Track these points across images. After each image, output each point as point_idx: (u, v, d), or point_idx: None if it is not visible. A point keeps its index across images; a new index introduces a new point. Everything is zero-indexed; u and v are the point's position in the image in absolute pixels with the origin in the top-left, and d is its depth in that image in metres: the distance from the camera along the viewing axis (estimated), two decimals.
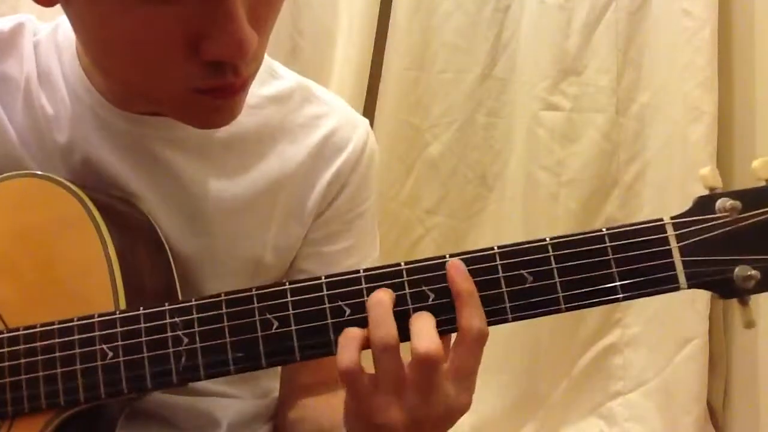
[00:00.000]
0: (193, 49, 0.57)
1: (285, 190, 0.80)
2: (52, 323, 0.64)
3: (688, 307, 1.43)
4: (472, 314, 0.58)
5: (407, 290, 0.60)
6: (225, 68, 0.59)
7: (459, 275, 0.59)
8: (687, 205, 1.49)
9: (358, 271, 0.60)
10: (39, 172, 0.71)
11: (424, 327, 0.58)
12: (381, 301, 0.59)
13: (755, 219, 0.57)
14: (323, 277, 0.61)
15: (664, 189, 1.49)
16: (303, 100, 0.82)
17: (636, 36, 1.50)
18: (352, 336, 0.59)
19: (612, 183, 1.53)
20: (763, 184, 0.58)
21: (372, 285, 0.60)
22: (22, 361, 0.64)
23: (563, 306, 0.59)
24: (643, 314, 1.52)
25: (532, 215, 1.54)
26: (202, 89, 0.60)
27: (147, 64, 0.59)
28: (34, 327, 0.64)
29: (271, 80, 0.81)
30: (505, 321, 0.60)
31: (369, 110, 1.53)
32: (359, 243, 0.85)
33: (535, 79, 1.52)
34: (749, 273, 0.56)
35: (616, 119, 1.51)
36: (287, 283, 0.61)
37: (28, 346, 0.64)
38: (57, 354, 0.63)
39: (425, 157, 1.56)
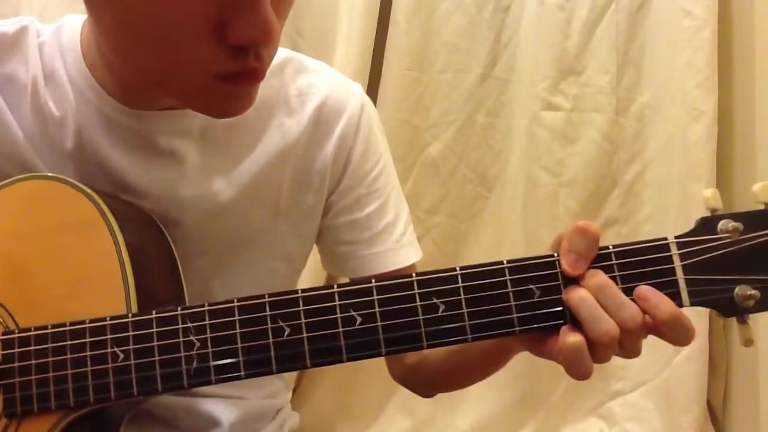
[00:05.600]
0: (219, 34, 0.58)
1: (289, 160, 0.81)
2: (64, 324, 0.64)
3: (688, 307, 1.43)
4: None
5: (418, 302, 0.60)
6: (248, 53, 0.60)
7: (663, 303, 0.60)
8: (686, 206, 1.48)
9: (370, 281, 0.61)
10: (52, 174, 0.71)
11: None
12: (583, 297, 0.59)
13: (756, 241, 0.59)
14: (335, 286, 0.61)
15: (664, 189, 1.49)
16: (295, 71, 0.83)
17: (636, 36, 1.50)
18: (580, 346, 0.59)
19: (612, 183, 1.54)
20: (762, 207, 0.60)
21: (383, 296, 0.61)
22: (33, 361, 0.64)
23: (568, 320, 0.60)
24: None
25: (532, 215, 1.54)
26: (225, 75, 0.61)
27: (173, 50, 0.60)
28: (46, 328, 0.64)
29: None
30: (512, 333, 0.61)
31: None
32: (388, 200, 0.86)
33: (535, 79, 1.52)
34: (749, 292, 0.59)
35: (616, 119, 1.52)
36: (299, 291, 0.61)
37: (39, 347, 0.64)
38: (68, 356, 0.63)
39: (425, 157, 1.57)
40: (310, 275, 1.39)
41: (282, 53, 0.83)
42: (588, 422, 1.55)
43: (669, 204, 1.48)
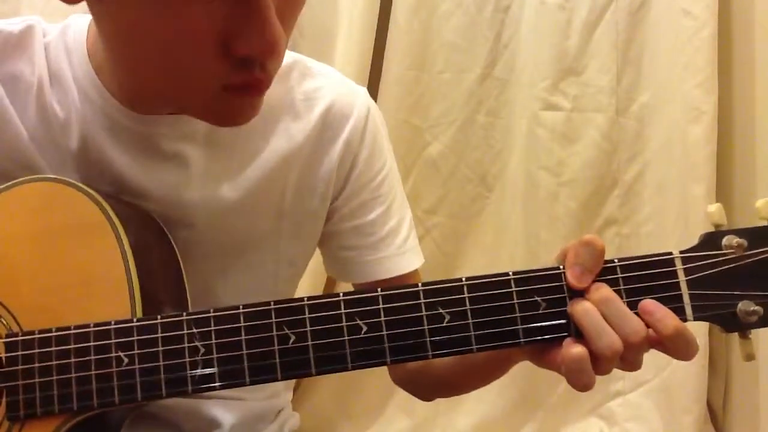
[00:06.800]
0: (224, 47, 0.58)
1: (295, 165, 0.81)
2: (68, 328, 0.64)
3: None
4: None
5: (423, 312, 0.61)
6: (253, 64, 0.60)
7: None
8: (686, 206, 1.48)
9: (376, 290, 0.61)
10: (56, 176, 0.71)
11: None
12: (588, 310, 0.59)
13: (760, 257, 0.59)
14: (341, 294, 0.61)
15: (664, 189, 1.49)
16: (301, 75, 0.83)
17: (636, 36, 1.51)
18: (582, 357, 0.59)
19: (612, 183, 1.54)
20: (765, 223, 0.60)
21: (389, 305, 0.61)
22: (36, 365, 0.64)
23: (573, 332, 0.60)
24: None
25: (532, 215, 1.54)
26: (231, 86, 0.62)
27: (178, 64, 0.60)
28: (50, 331, 0.64)
29: None
30: (517, 345, 0.61)
31: None
32: (392, 205, 0.86)
33: (535, 79, 1.52)
34: (752, 308, 0.59)
35: (616, 119, 1.52)
36: (305, 299, 0.61)
37: (43, 350, 0.64)
38: (72, 359, 0.63)
39: (425, 157, 1.57)
40: (311, 277, 1.39)
41: (288, 56, 0.82)
42: (588, 422, 1.55)
43: (669, 204, 1.48)
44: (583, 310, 0.59)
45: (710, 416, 1.49)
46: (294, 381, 1.49)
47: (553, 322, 0.60)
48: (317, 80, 0.83)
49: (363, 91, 0.86)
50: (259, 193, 0.79)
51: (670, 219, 1.47)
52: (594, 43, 1.51)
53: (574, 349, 0.59)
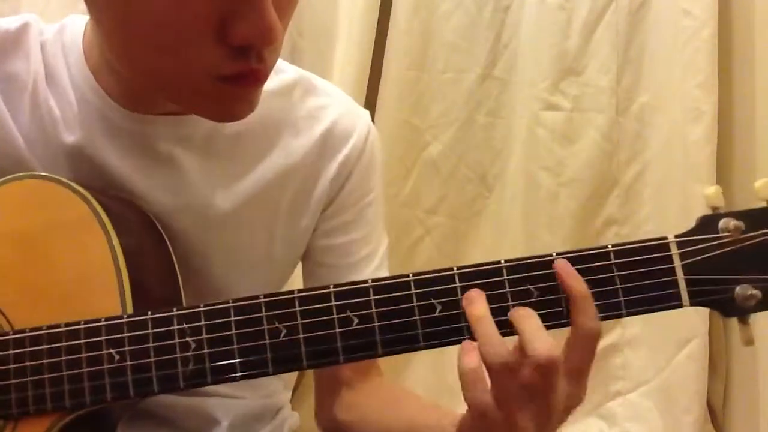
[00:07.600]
0: (220, 33, 0.58)
1: (291, 182, 0.81)
2: (59, 325, 0.64)
3: (688, 307, 1.43)
4: (587, 314, 0.58)
5: (415, 303, 0.60)
6: (250, 53, 0.60)
7: (571, 277, 0.59)
8: (687, 206, 1.48)
9: (366, 281, 0.61)
10: (46, 174, 0.70)
11: (535, 328, 0.58)
12: (481, 318, 0.58)
13: (758, 239, 0.58)
14: (332, 286, 0.61)
15: (664, 189, 1.49)
16: (305, 92, 0.83)
17: (636, 36, 1.50)
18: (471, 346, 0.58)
19: (612, 183, 1.53)
20: (764, 204, 0.59)
21: (379, 296, 0.60)
22: (28, 363, 0.64)
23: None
24: None
25: (532, 215, 1.54)
26: (227, 76, 0.61)
27: (175, 52, 0.60)
28: (41, 329, 0.64)
29: (273, 74, 0.82)
30: (510, 334, 0.60)
31: (369, 110, 1.52)
32: (372, 231, 0.86)
33: (535, 79, 1.52)
34: (750, 292, 0.58)
35: (616, 119, 1.51)
36: (296, 292, 0.61)
37: (34, 348, 0.64)
38: (63, 357, 0.63)
39: (425, 157, 1.56)
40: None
41: (291, 72, 0.83)
42: (588, 422, 1.54)
43: (669, 204, 1.47)
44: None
45: (710, 416, 1.48)
46: (294, 380, 1.49)
47: (548, 310, 0.60)
48: (321, 99, 0.83)
49: (365, 114, 0.87)
50: (253, 207, 0.79)
51: (670, 219, 1.46)
52: (594, 43, 1.50)
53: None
